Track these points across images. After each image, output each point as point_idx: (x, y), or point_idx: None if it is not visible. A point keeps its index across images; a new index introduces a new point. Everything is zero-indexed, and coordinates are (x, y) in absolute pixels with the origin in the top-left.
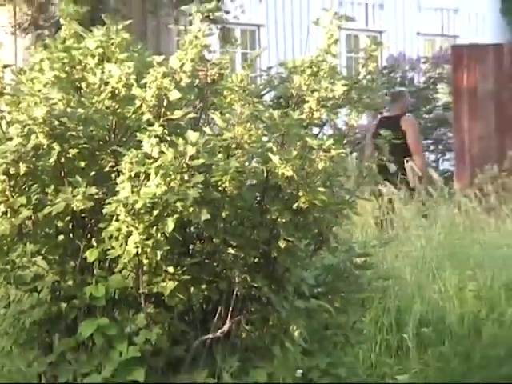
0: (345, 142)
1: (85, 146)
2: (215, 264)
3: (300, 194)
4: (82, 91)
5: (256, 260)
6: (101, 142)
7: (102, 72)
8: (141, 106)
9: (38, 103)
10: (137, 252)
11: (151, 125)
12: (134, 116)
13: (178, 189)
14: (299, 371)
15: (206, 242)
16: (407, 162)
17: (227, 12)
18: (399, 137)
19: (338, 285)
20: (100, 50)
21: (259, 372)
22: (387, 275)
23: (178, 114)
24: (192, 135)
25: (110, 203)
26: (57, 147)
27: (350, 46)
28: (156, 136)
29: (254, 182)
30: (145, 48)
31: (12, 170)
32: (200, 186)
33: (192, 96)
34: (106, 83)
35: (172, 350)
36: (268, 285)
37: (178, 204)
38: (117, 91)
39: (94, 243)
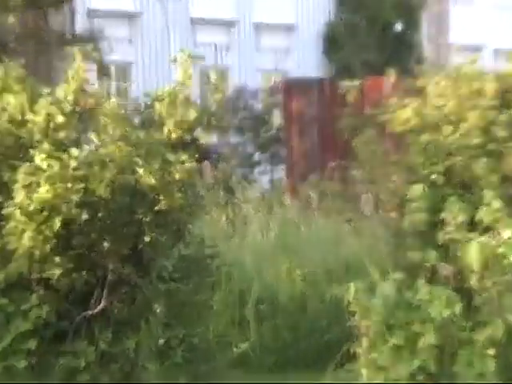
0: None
1: None
2: (93, 255)
3: (161, 198)
4: None
5: (126, 251)
6: (0, 157)
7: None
8: (33, 128)
9: None
10: (30, 245)
11: (41, 143)
12: (27, 136)
13: (63, 194)
14: (161, 340)
15: (86, 237)
16: None
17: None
18: None
19: (192, 270)
20: None
21: (129, 341)
22: (232, 262)
23: (62, 134)
24: (74, 151)
25: (7, 206)
26: None
27: (203, 80)
28: (45, 152)
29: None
30: (36, 81)
31: None
32: (81, 191)
33: (74, 120)
34: (5, 110)
35: (59, 324)
36: (135, 271)
37: (63, 207)
38: (14, 116)
39: None
